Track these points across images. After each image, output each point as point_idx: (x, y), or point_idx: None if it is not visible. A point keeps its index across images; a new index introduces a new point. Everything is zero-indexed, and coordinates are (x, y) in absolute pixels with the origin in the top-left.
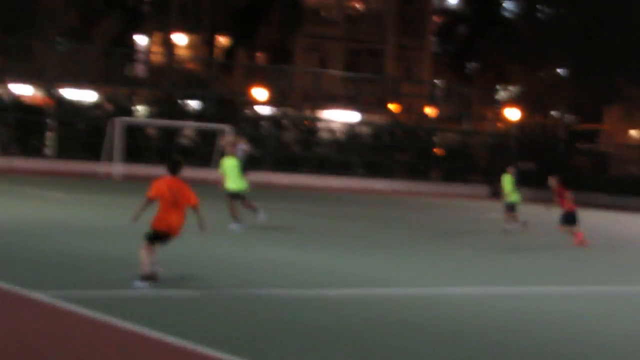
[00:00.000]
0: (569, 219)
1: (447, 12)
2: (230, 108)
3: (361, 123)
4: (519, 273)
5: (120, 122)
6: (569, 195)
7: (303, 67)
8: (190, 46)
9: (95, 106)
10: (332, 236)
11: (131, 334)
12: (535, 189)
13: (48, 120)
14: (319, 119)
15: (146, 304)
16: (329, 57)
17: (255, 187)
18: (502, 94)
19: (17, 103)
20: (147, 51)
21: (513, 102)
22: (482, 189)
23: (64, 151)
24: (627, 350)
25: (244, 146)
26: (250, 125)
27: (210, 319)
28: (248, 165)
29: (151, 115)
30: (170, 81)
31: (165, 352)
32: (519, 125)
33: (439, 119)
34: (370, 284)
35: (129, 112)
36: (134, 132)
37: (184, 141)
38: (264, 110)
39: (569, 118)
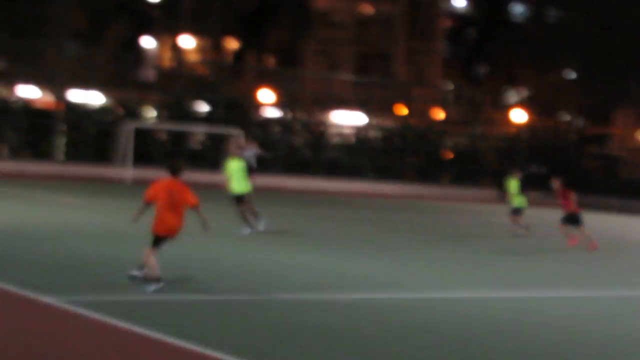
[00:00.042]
0: (572, 220)
1: (456, 15)
2: (239, 111)
3: (371, 127)
4: (528, 277)
5: (130, 125)
6: (573, 197)
7: (312, 70)
8: (199, 50)
9: (105, 110)
10: (341, 239)
11: (146, 339)
12: (546, 192)
13: (58, 124)
14: (329, 123)
15: (160, 307)
16: (338, 60)
17: (266, 190)
18: (511, 97)
19: (27, 107)
20: (157, 55)
21: (522, 105)
22: (492, 193)
23: (74, 155)
24: (628, 353)
25: (253, 149)
26: (259, 129)
27: (219, 323)
28: (256, 167)
29: (161, 118)
30: (179, 85)
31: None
32: (529, 128)
33: (448, 122)
34: (380, 287)
35: (139, 116)
36: (143, 136)
37: (193, 145)
38: (274, 114)
39: (578, 121)
